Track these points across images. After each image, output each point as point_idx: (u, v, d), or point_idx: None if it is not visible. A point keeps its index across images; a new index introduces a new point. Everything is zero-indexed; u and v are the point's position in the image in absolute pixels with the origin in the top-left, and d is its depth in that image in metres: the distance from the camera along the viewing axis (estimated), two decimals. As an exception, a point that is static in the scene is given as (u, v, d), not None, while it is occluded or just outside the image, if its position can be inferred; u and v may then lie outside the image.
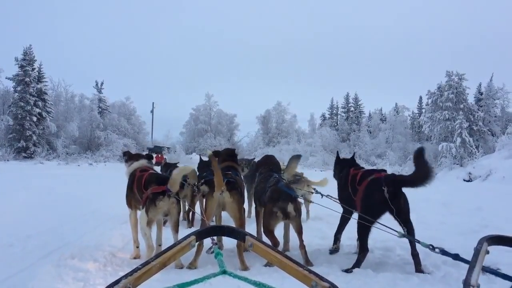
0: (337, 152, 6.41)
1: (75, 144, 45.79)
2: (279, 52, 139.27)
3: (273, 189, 5.05)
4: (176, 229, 4.97)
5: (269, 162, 6.08)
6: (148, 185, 4.93)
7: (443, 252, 2.85)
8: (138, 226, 5.15)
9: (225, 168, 5.31)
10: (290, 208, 4.84)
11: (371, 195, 4.74)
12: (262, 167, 5.96)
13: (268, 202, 4.97)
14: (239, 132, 64.84)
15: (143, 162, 5.66)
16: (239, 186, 5.16)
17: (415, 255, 4.57)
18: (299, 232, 4.93)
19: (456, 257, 2.69)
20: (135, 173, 5.42)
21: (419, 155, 4.72)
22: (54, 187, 14.24)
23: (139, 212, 5.23)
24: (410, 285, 4.03)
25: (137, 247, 5.31)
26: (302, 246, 4.90)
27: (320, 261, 4.98)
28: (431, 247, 3.06)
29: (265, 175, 5.64)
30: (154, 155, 27.70)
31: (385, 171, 5.11)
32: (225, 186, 4.83)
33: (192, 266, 4.68)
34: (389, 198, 4.51)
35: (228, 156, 5.71)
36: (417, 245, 4.03)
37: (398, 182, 4.76)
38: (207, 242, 1.98)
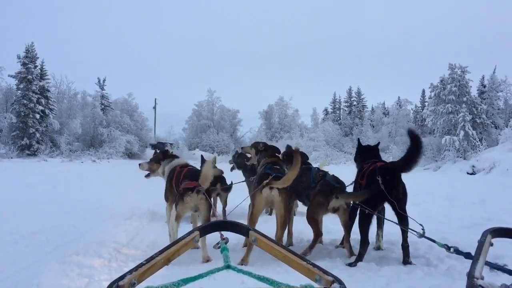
0: (358, 139, 6.38)
1: (78, 141, 45.90)
2: (281, 47, 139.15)
3: (323, 182, 5.03)
4: None
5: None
6: (184, 180, 4.94)
7: (457, 252, 2.88)
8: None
9: (273, 163, 5.25)
10: (341, 202, 4.84)
11: (368, 186, 4.76)
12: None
13: (319, 195, 4.93)
14: (242, 128, 64.93)
15: (181, 160, 5.79)
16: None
17: (405, 247, 4.63)
18: (346, 225, 4.97)
19: (468, 255, 2.71)
20: (175, 168, 5.48)
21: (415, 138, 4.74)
22: (57, 184, 14.30)
23: None
24: (414, 279, 4.03)
25: None
26: (347, 240, 4.97)
27: (323, 255, 5.00)
28: (446, 246, 3.08)
29: (303, 170, 5.59)
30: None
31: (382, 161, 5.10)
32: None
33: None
34: (385, 187, 4.52)
35: (274, 152, 5.66)
36: (430, 243, 4.02)
37: (394, 170, 4.76)
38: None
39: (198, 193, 4.73)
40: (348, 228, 5.00)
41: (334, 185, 4.91)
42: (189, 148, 57.26)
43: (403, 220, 4.58)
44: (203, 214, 4.86)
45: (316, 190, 5.02)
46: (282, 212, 4.93)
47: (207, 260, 4.68)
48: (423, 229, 4.06)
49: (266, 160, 5.42)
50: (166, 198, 5.63)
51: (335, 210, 4.92)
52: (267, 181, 4.78)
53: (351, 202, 5.01)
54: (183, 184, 4.82)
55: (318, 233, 4.87)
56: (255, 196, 4.90)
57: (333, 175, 5.27)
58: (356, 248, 4.87)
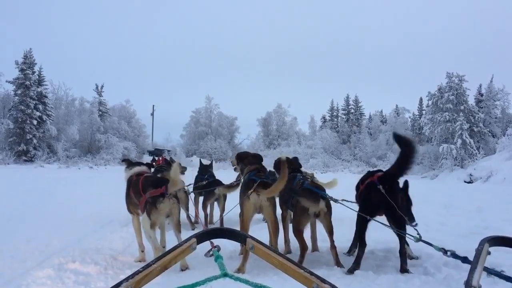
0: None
1: (75, 147, 45.82)
2: (279, 54, 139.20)
3: (303, 188, 5.07)
4: (178, 229, 4.99)
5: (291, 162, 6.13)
6: (146, 189, 4.91)
7: (454, 256, 2.88)
8: (142, 230, 5.13)
9: (255, 170, 5.30)
10: (322, 205, 4.81)
11: (369, 194, 4.76)
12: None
13: (299, 201, 4.94)
14: (240, 135, 64.82)
15: (141, 168, 5.70)
16: None
17: (402, 253, 4.59)
18: (330, 232, 4.93)
19: (465, 260, 2.71)
20: (131, 178, 5.44)
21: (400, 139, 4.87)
22: (54, 190, 14.25)
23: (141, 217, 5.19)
24: (411, 287, 4.01)
25: (142, 251, 5.28)
26: (333, 246, 4.91)
27: (321, 263, 4.98)
28: (443, 250, 3.09)
29: (289, 178, 5.63)
30: (157, 158, 27.83)
31: (381, 171, 5.13)
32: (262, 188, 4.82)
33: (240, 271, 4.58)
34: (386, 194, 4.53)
35: (256, 159, 5.70)
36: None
37: (392, 178, 4.77)
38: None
39: (170, 198, 4.80)
40: (332, 234, 4.95)
41: (313, 191, 4.92)
42: (186, 155, 57.17)
43: (400, 226, 4.56)
44: (175, 218, 4.95)
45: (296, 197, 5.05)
46: (272, 217, 4.98)
47: (185, 268, 4.65)
48: (418, 234, 4.05)
49: (250, 168, 5.46)
50: (130, 210, 5.50)
51: (316, 216, 4.91)
52: (252, 189, 4.84)
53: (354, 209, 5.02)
54: (149, 192, 4.80)
55: (304, 247, 4.86)
56: (243, 203, 4.94)
57: (312, 181, 5.28)
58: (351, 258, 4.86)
